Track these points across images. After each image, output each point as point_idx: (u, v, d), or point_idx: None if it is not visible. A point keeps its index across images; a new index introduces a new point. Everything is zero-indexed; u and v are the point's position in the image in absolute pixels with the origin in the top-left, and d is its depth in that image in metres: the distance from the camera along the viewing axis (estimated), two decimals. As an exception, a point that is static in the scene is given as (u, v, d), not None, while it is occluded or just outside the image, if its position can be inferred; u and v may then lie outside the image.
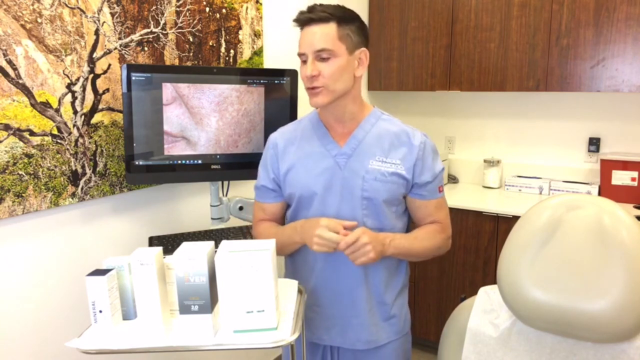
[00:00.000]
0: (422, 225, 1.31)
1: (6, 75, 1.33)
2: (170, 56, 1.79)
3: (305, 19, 1.16)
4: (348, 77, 1.19)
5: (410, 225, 1.36)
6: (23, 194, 1.39)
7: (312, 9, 1.16)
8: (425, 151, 1.26)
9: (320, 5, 1.17)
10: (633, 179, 2.42)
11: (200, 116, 1.64)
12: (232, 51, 2.04)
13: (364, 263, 1.14)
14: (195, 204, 1.98)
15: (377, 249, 1.15)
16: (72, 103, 1.50)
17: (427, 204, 1.28)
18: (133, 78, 1.51)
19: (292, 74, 1.76)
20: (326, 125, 1.29)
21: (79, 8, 1.49)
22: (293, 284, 1.17)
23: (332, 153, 1.25)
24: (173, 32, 1.79)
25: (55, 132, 1.46)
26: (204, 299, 0.95)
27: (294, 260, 1.35)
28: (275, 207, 1.34)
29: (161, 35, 1.75)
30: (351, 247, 1.12)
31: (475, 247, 2.49)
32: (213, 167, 1.69)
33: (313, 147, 1.27)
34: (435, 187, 1.28)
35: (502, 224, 2.40)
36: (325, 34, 1.14)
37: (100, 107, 1.58)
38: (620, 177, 2.45)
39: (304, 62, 1.19)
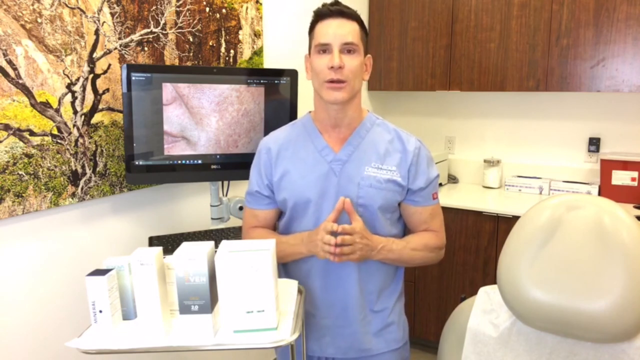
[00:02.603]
0: (417, 233, 1.29)
1: (6, 75, 1.33)
2: (170, 56, 1.79)
3: (337, 11, 1.16)
4: (361, 78, 1.20)
5: (406, 232, 1.34)
6: (23, 194, 1.39)
7: (338, 3, 1.19)
8: (419, 157, 1.25)
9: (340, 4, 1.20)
10: (633, 179, 2.42)
11: (200, 116, 1.64)
12: (232, 51, 2.04)
13: (341, 261, 1.12)
14: (195, 204, 1.98)
15: (363, 253, 1.14)
16: (72, 103, 1.50)
17: (421, 211, 1.26)
18: (133, 78, 1.51)
19: (292, 74, 1.76)
20: (320, 129, 1.26)
21: (79, 8, 1.49)
22: (293, 284, 1.17)
23: (327, 159, 1.23)
24: (173, 32, 1.79)
25: (55, 132, 1.46)
26: (204, 299, 0.95)
27: (287, 269, 1.32)
28: (269, 214, 1.31)
29: (161, 35, 1.75)
30: (343, 239, 1.10)
31: (475, 247, 2.49)
32: (213, 167, 1.69)
33: (308, 152, 1.25)
34: (429, 193, 1.26)
35: (502, 224, 2.40)
36: (353, 29, 1.16)
37: (100, 107, 1.58)
38: (620, 177, 2.45)
39: (323, 52, 1.16)
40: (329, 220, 1.13)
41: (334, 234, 1.12)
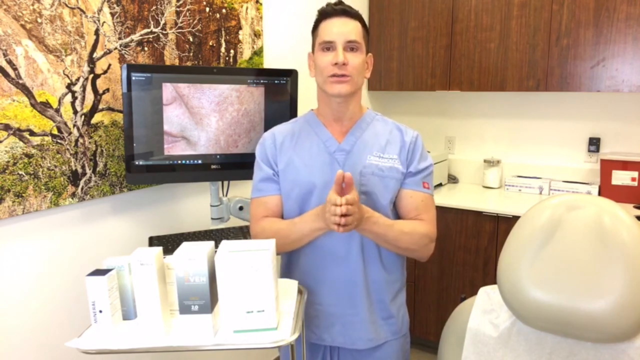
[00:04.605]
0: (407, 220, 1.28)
1: (6, 75, 1.33)
2: (170, 56, 1.79)
3: (341, 10, 1.21)
4: (363, 75, 1.25)
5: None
6: (23, 194, 1.39)
7: (341, 3, 1.24)
8: (415, 145, 1.29)
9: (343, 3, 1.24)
10: (633, 179, 2.42)
11: (200, 116, 1.64)
12: (232, 51, 2.04)
13: (346, 231, 1.09)
14: (195, 204, 1.98)
15: (356, 222, 1.11)
16: (72, 103, 1.50)
17: (412, 194, 1.27)
18: (133, 78, 1.51)
19: (293, 74, 1.76)
20: (324, 123, 1.30)
21: (79, 8, 1.49)
22: (293, 284, 1.17)
23: (330, 149, 1.27)
24: (173, 32, 1.79)
25: (55, 132, 1.46)
26: (204, 299, 0.95)
27: (290, 256, 1.34)
28: (279, 200, 1.30)
29: (161, 35, 1.75)
30: (347, 208, 1.06)
31: (475, 247, 2.49)
32: (213, 167, 1.69)
33: (312, 142, 1.29)
34: (420, 180, 1.28)
35: (502, 224, 2.40)
36: (356, 27, 1.22)
37: (100, 107, 1.58)
38: (620, 177, 2.45)
39: (327, 49, 1.21)
40: (332, 191, 1.09)
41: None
